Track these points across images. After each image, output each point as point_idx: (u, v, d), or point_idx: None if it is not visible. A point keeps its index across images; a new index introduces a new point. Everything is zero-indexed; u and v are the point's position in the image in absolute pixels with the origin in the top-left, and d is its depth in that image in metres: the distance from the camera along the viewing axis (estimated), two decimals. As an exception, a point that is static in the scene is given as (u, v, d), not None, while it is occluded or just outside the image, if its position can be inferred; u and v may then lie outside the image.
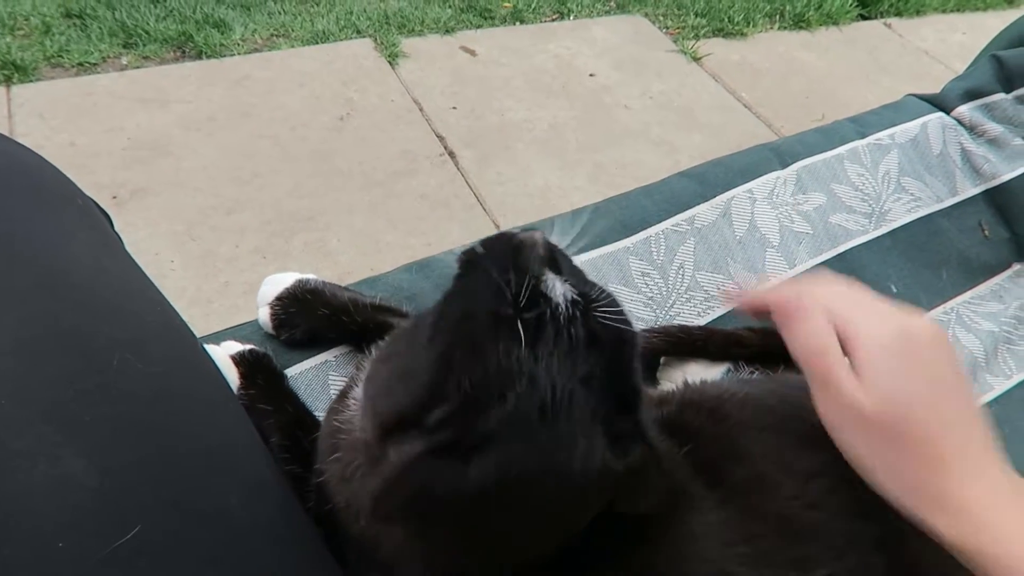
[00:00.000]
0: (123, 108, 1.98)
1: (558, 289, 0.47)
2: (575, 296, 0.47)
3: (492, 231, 1.01)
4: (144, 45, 2.15)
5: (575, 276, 0.50)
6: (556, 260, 0.49)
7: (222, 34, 2.24)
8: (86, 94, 1.99)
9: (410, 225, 1.84)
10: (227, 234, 1.74)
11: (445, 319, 0.48)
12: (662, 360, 0.87)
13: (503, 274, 0.48)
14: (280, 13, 2.39)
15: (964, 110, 1.15)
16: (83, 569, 0.45)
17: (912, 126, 1.12)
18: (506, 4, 2.64)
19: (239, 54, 2.23)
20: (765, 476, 0.62)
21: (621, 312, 0.49)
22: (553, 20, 2.69)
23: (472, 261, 0.51)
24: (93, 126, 1.91)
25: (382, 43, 2.36)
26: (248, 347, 0.76)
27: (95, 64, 2.08)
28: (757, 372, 0.84)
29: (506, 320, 0.45)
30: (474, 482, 0.44)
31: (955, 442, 0.48)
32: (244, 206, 1.81)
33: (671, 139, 2.29)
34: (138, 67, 2.12)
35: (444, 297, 0.51)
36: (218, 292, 1.61)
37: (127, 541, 0.46)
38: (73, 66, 2.06)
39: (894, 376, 0.49)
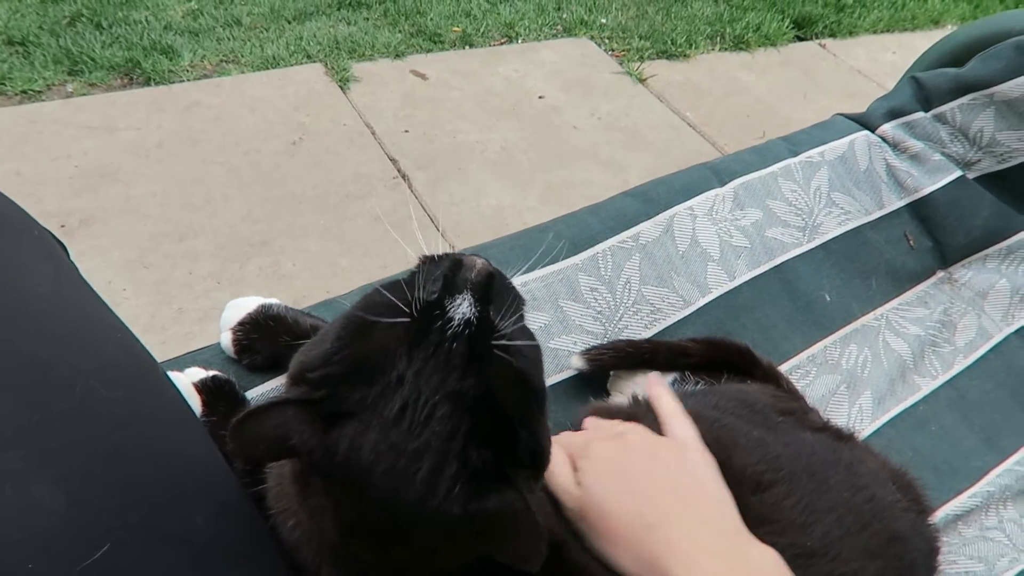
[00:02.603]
0: (69, 136, 1.96)
1: (461, 308, 0.49)
2: (473, 318, 0.49)
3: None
4: (90, 72, 2.13)
5: (504, 307, 0.52)
6: (488, 285, 0.52)
7: (170, 60, 2.24)
8: (30, 122, 1.96)
9: (365, 247, 1.86)
10: (180, 260, 1.73)
11: (366, 302, 0.53)
12: (612, 373, 0.91)
13: (427, 282, 0.51)
14: (229, 39, 2.40)
15: (887, 128, 1.22)
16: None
17: (840, 144, 1.19)
18: (455, 28, 2.68)
19: (188, 80, 2.22)
20: None
21: (529, 356, 0.51)
22: (502, 44, 2.75)
23: (421, 265, 0.55)
24: (39, 155, 1.88)
25: (333, 68, 2.38)
26: (211, 374, 0.77)
27: (39, 92, 2.06)
28: (702, 382, 0.88)
29: (400, 321, 0.49)
30: (328, 447, 0.47)
31: (660, 538, 0.55)
32: (197, 232, 1.81)
33: (619, 159, 2.36)
34: (84, 94, 2.10)
35: (381, 285, 0.54)
36: (172, 319, 1.60)
37: (95, 562, 0.48)
38: (16, 94, 2.03)
39: (596, 480, 0.60)
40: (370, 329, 0.49)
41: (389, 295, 0.50)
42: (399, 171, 2.11)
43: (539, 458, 0.52)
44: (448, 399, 0.47)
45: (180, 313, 1.61)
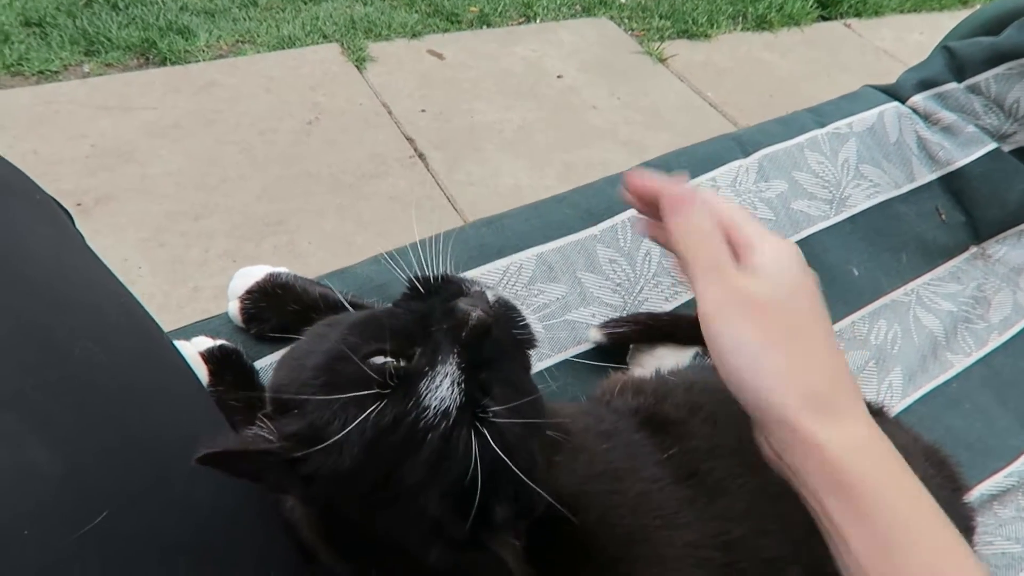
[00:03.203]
0: (86, 116, 1.95)
1: (440, 392, 0.43)
2: (453, 407, 0.43)
3: (460, 223, 1.01)
4: (107, 52, 2.13)
5: (499, 374, 0.46)
6: (481, 345, 0.45)
7: (186, 40, 2.22)
8: (47, 102, 1.96)
9: (380, 227, 1.84)
10: (195, 239, 1.72)
11: (349, 331, 0.47)
12: (631, 346, 0.88)
13: (407, 340, 0.45)
14: (245, 19, 2.38)
15: (918, 99, 1.18)
16: (51, 555, 0.44)
17: (869, 115, 1.15)
18: (472, 8, 2.65)
19: (204, 60, 2.21)
20: (738, 472, 0.63)
21: (518, 432, 0.45)
22: (519, 23, 2.71)
23: (413, 295, 0.49)
24: (55, 134, 1.88)
25: (349, 48, 2.36)
26: (218, 343, 0.76)
27: (56, 72, 2.05)
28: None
29: (368, 395, 0.43)
30: (304, 496, 0.45)
31: (838, 360, 0.48)
32: (212, 211, 1.80)
33: (639, 139, 2.32)
34: (101, 75, 2.09)
35: (365, 314, 0.50)
36: (188, 297, 1.59)
37: (95, 528, 0.46)
38: (33, 75, 2.03)
39: (785, 274, 0.48)
40: (336, 382, 0.44)
41: (370, 341, 0.45)
42: (415, 150, 2.08)
43: (525, 513, 0.47)
44: (419, 487, 0.43)
45: (195, 291, 1.60)
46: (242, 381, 0.73)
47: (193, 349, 0.74)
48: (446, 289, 0.48)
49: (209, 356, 0.73)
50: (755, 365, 0.46)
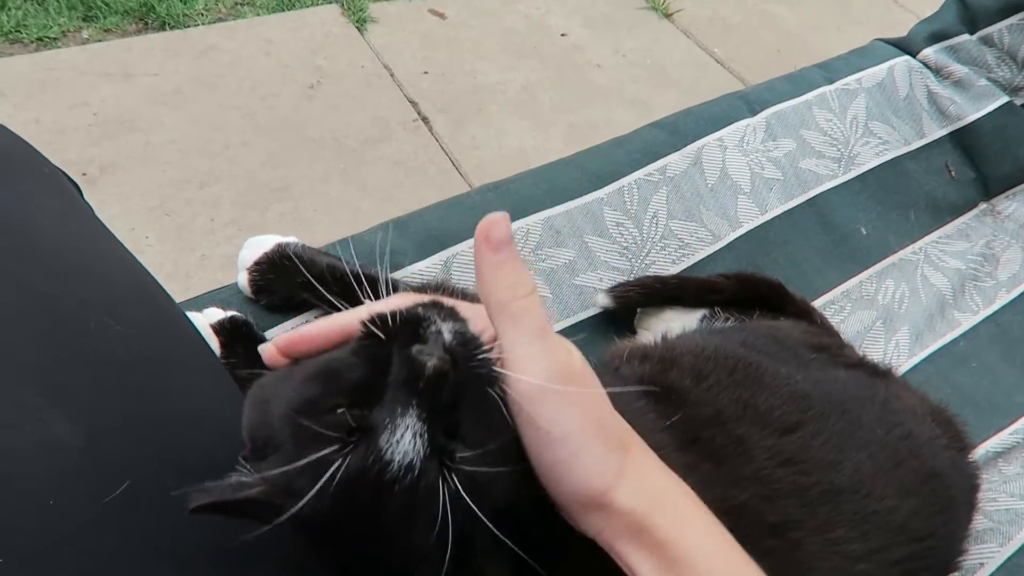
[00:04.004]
0: (86, 83, 1.93)
1: (402, 446, 0.42)
2: (417, 460, 0.42)
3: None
4: (105, 18, 2.10)
5: (464, 406, 0.45)
6: (440, 394, 0.44)
7: (185, 4, 2.19)
8: (47, 69, 1.94)
9: (385, 192, 1.83)
10: (201, 207, 1.72)
11: (309, 382, 0.47)
12: (638, 310, 0.89)
13: (366, 392, 0.44)
14: (243, -19, 2.34)
15: (930, 52, 1.16)
16: (76, 525, 0.45)
17: (879, 70, 1.13)
18: (474, -35, 2.59)
19: (203, 24, 2.18)
20: (743, 438, 0.63)
21: (488, 475, 0.44)
22: (522, -20, 2.65)
23: (369, 340, 0.47)
24: (57, 102, 1.87)
25: (349, 9, 2.32)
26: (229, 314, 0.76)
27: (55, 39, 2.03)
28: (732, 318, 0.86)
29: (328, 455, 0.42)
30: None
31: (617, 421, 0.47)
32: (217, 178, 1.79)
33: (645, 97, 2.29)
34: (99, 40, 2.07)
35: (324, 362, 0.49)
36: (196, 266, 1.60)
37: (118, 496, 0.47)
38: (32, 41, 2.01)
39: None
40: (305, 445, 0.44)
41: (329, 396, 0.45)
42: (419, 114, 2.06)
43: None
44: (396, 530, 0.44)
45: (203, 260, 1.61)
46: (253, 353, 0.73)
47: (205, 321, 0.74)
48: (403, 332, 0.47)
49: (220, 328, 0.74)
50: (579, 456, 0.44)
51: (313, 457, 0.42)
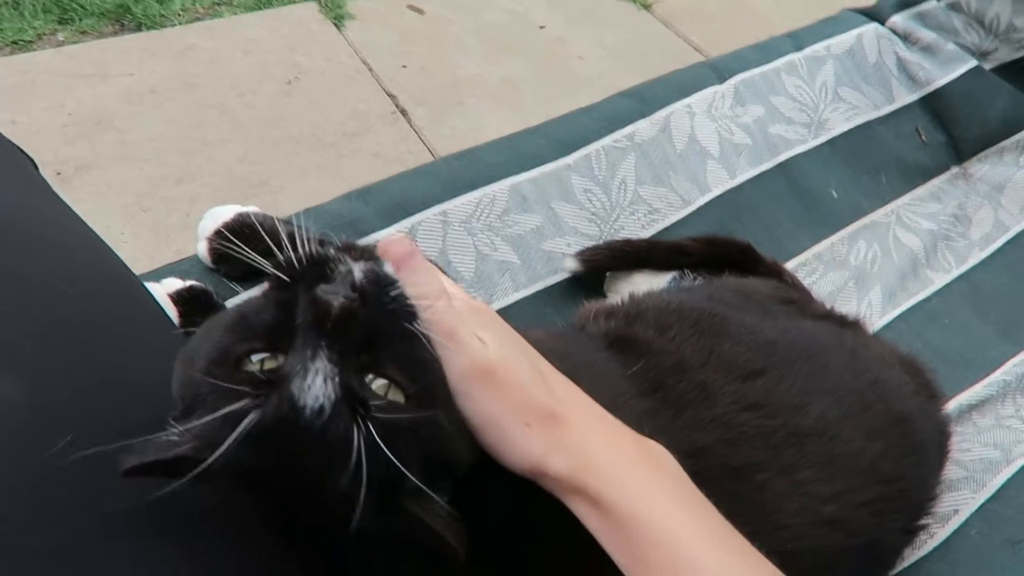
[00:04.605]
0: (62, 84, 1.92)
1: (313, 388, 0.41)
2: (327, 403, 0.41)
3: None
4: (80, 20, 2.09)
5: (380, 352, 0.44)
6: (348, 333, 0.43)
7: (161, 4, 2.18)
8: (22, 72, 1.93)
9: (364, 183, 1.82)
10: (178, 204, 1.71)
11: (223, 333, 0.46)
12: (608, 274, 0.88)
13: (277, 335, 0.44)
14: (220, -19, 2.34)
15: (898, 19, 1.16)
16: (22, 478, 0.45)
17: (847, 37, 1.13)
18: (451, -38, 2.59)
19: (180, 24, 2.17)
20: (706, 384, 0.63)
21: (406, 423, 0.43)
22: (500, -24, 2.66)
23: (278, 283, 0.46)
24: (32, 104, 1.86)
25: (327, 6, 2.32)
26: (187, 284, 0.76)
27: (30, 42, 2.02)
28: (701, 279, 0.85)
29: (241, 408, 0.42)
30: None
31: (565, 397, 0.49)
32: (194, 175, 1.78)
33: (625, 87, 2.28)
34: (75, 42, 2.06)
35: (236, 312, 0.48)
36: (169, 261, 1.58)
37: (63, 450, 0.46)
38: (7, 45, 2.00)
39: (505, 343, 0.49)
40: (221, 398, 0.43)
41: (233, 360, 0.44)
42: (398, 107, 2.06)
43: (442, 476, 0.47)
44: (317, 476, 0.43)
45: (178, 255, 1.58)
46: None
47: (163, 290, 0.74)
48: (311, 272, 0.46)
49: (178, 297, 0.73)
50: (504, 440, 0.47)
51: (228, 410, 0.41)
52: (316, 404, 0.41)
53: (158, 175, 1.76)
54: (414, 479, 0.43)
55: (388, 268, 0.48)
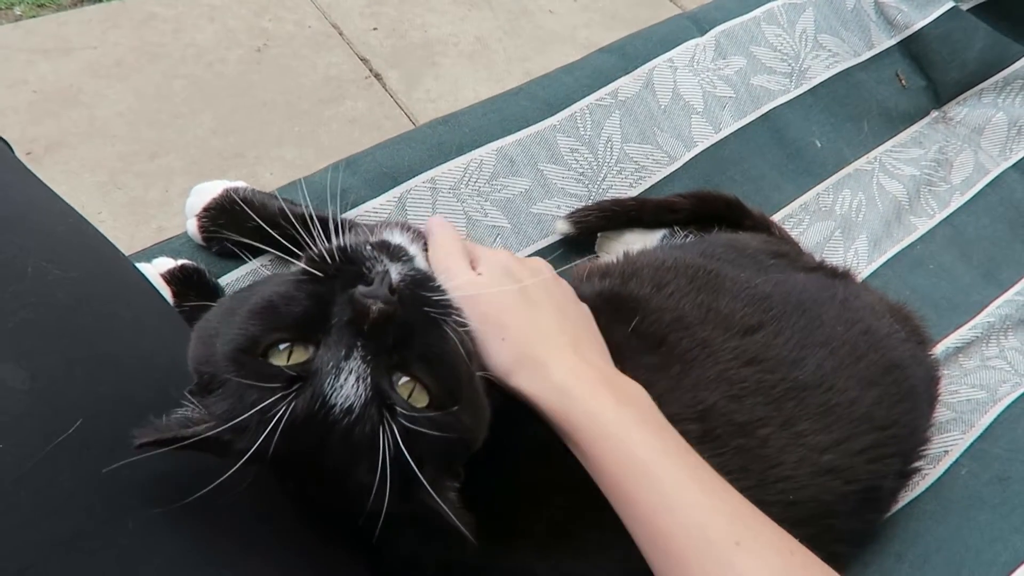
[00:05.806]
0: (23, 60, 1.86)
1: (344, 388, 0.42)
2: (357, 405, 0.42)
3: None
4: (36, -8, 2.02)
5: (410, 356, 0.45)
6: (383, 335, 0.44)
7: (118, -27, 2.11)
8: (-20, 50, 1.86)
9: (343, 151, 1.77)
10: (154, 179, 1.67)
11: (250, 319, 0.46)
12: (599, 234, 0.88)
13: (309, 329, 0.44)
14: (179, -54, 2.25)
15: (875, -37, 1.15)
16: (26, 465, 0.44)
17: (826, -17, 1.12)
18: (417, -84, 2.52)
19: (140, -7, 2.10)
20: (707, 341, 0.64)
21: (432, 421, 0.44)
22: (468, -71, 2.59)
23: (312, 277, 0.47)
24: (-7, 82, 1.80)
25: (291, -32, 2.25)
26: (179, 263, 0.75)
27: (-15, 17, 1.95)
28: (691, 235, 0.86)
29: (273, 400, 0.42)
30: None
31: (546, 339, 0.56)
32: (168, 149, 1.74)
33: (598, 40, 2.24)
34: (33, 16, 1.99)
35: (266, 298, 0.47)
36: (152, 238, 1.55)
37: (70, 436, 0.46)
38: (-39, 22, 1.93)
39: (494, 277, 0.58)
40: (250, 385, 0.43)
41: (262, 349, 0.45)
42: (371, 71, 2.02)
43: (457, 462, 0.49)
44: (341, 468, 0.44)
45: (160, 231, 1.57)
46: (205, 299, 0.72)
47: (155, 270, 0.73)
48: (347, 271, 0.46)
49: (171, 277, 0.72)
50: (482, 346, 0.55)
51: (261, 405, 0.42)
52: (346, 404, 0.42)
53: (130, 151, 1.72)
54: (429, 474, 0.44)
55: (421, 261, 0.49)
